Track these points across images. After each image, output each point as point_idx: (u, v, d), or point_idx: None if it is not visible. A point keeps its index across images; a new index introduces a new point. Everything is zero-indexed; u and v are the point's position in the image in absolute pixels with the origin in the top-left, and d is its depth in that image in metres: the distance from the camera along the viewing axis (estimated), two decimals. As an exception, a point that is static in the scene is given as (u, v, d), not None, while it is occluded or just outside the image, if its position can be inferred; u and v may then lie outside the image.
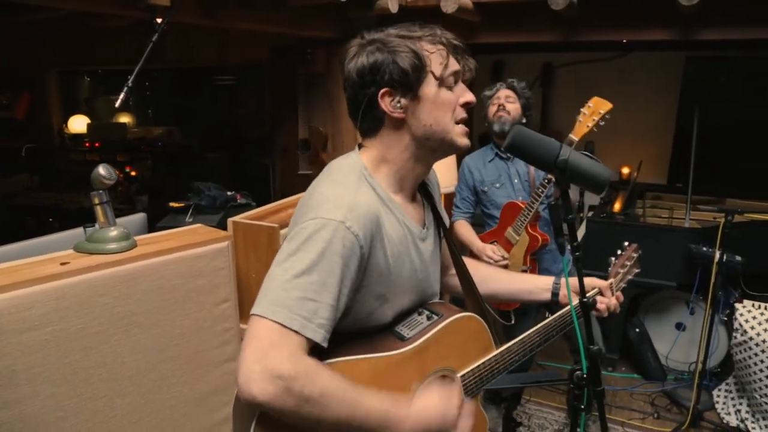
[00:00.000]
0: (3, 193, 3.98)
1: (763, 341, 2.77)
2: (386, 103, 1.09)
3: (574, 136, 2.47)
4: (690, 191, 3.49)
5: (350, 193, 1.06)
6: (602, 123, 2.48)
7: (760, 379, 2.83)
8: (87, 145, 5.07)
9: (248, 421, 0.99)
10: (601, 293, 1.46)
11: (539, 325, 1.35)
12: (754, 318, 2.82)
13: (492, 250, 2.64)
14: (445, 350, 1.19)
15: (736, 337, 2.89)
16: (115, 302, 1.49)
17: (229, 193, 3.08)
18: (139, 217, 2.37)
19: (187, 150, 4.79)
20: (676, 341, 3.49)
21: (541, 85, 4.71)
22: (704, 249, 3.06)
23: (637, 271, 1.61)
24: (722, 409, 3.14)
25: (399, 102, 1.09)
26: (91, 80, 5.67)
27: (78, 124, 5.45)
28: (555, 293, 1.46)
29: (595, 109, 2.48)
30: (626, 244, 1.63)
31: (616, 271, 1.55)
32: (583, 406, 1.28)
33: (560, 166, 1.15)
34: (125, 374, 1.54)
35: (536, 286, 1.48)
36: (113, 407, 1.53)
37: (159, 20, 2.22)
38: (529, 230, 2.65)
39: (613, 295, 1.49)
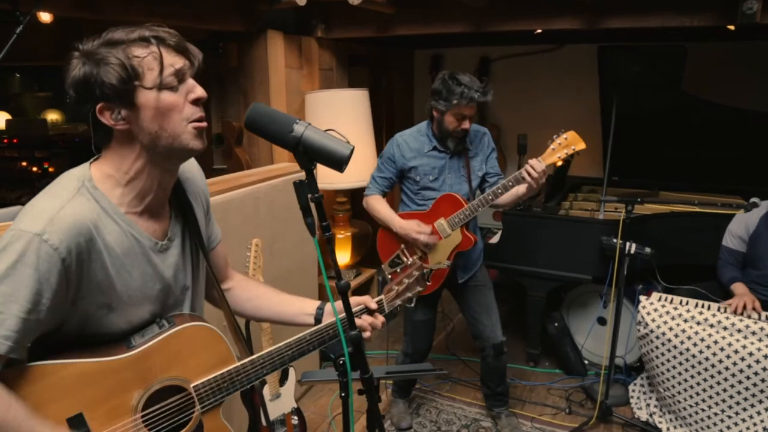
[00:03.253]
0: None
1: (663, 334, 2.71)
2: (106, 117, 1.06)
3: (543, 162, 2.43)
4: (605, 182, 3.44)
5: (56, 205, 1.03)
6: (570, 159, 2.48)
7: (662, 373, 2.77)
8: (6, 141, 5.04)
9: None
10: (368, 311, 1.42)
11: (293, 339, 1.32)
12: (656, 311, 2.76)
13: (418, 225, 2.60)
14: (173, 359, 1.16)
15: (639, 330, 2.83)
16: None
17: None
18: (15, 209, 2.35)
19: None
20: (589, 334, 3.43)
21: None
22: (613, 241, 3.00)
23: (419, 289, 1.53)
24: (635, 404, 3.08)
25: (119, 114, 1.06)
26: (21, 76, 5.66)
27: None
28: (318, 320, 1.43)
29: (569, 144, 2.45)
30: (408, 261, 1.58)
31: (390, 288, 1.50)
32: (342, 394, 1.24)
33: (291, 142, 1.11)
34: None
35: (302, 310, 1.46)
36: None
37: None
38: (465, 231, 2.61)
39: (383, 312, 1.46)
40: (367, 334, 1.37)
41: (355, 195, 4.03)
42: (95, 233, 1.06)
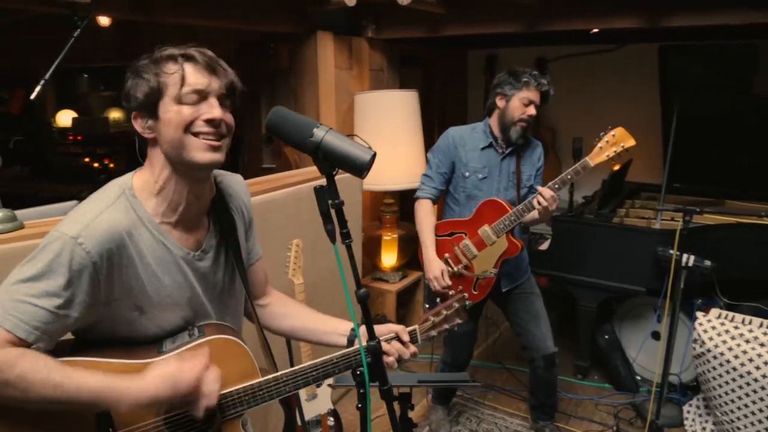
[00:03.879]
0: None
1: (722, 354, 2.54)
2: (138, 125, 1.16)
3: (590, 161, 2.37)
4: (664, 189, 3.26)
5: (96, 210, 1.12)
6: (619, 157, 2.40)
7: (719, 396, 2.59)
8: (71, 138, 5.32)
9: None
10: (398, 339, 1.40)
11: (319, 360, 1.30)
12: (713, 328, 2.59)
13: (442, 272, 2.53)
14: None
15: (695, 349, 2.67)
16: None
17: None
18: (72, 204, 2.45)
19: None
20: (641, 348, 3.26)
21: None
22: (669, 252, 2.84)
23: (458, 321, 1.49)
24: (690, 426, 2.90)
25: (147, 123, 1.14)
26: (89, 76, 5.95)
27: (65, 118, 5.72)
28: (350, 341, 1.42)
29: (617, 141, 2.37)
30: (450, 293, 1.53)
31: (426, 318, 1.47)
32: (359, 406, 1.21)
33: (310, 146, 1.09)
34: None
35: (335, 330, 1.45)
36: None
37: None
38: (510, 237, 2.53)
39: (416, 341, 1.44)
40: (390, 359, 1.35)
41: (403, 196, 4.00)
42: (128, 240, 1.12)
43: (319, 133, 1.10)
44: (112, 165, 4.75)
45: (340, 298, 3.13)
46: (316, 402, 2.51)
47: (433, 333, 1.46)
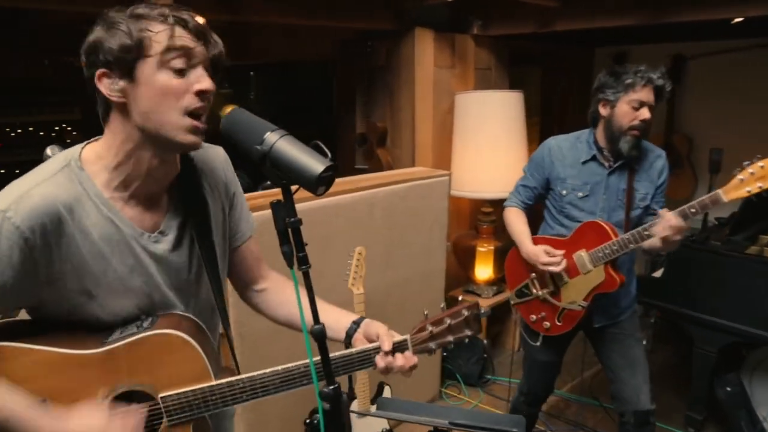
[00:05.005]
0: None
1: None
2: (104, 85, 1.01)
3: (724, 196, 1.91)
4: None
5: (31, 183, 1.02)
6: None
7: None
8: None
9: None
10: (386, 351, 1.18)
11: (280, 367, 1.13)
12: None
13: (548, 251, 2.21)
14: (142, 364, 1.08)
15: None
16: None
17: (268, 182, 3.15)
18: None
19: None
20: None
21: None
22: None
23: (467, 333, 1.25)
24: None
25: (117, 84, 1.00)
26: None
27: None
28: (349, 335, 1.24)
29: (765, 176, 1.88)
30: (459, 298, 1.28)
31: (424, 327, 1.23)
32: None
33: (256, 155, 0.94)
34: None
35: (338, 322, 1.27)
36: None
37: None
38: (610, 269, 2.15)
39: (403, 351, 1.20)
40: (380, 366, 1.17)
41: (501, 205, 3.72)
42: (66, 215, 1.02)
43: (270, 138, 0.94)
44: None
45: (412, 310, 2.96)
46: (370, 420, 2.37)
47: (432, 345, 1.23)
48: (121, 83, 0.99)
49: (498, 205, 3.63)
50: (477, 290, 3.62)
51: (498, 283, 3.67)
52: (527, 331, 2.44)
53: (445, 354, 3.42)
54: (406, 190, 2.72)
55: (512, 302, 2.46)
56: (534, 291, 2.34)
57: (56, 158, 1.08)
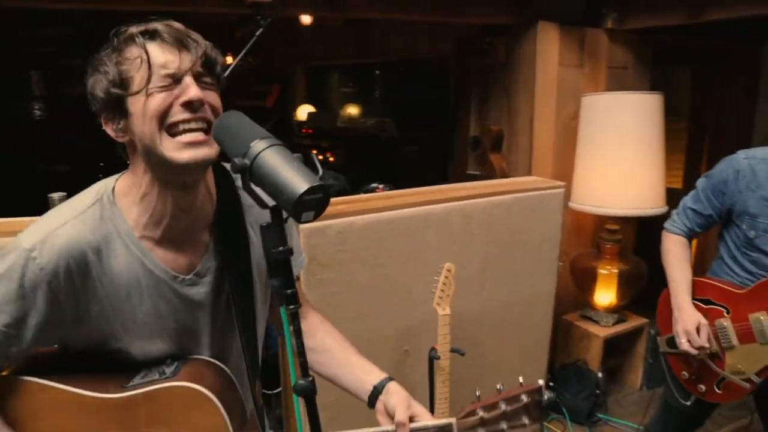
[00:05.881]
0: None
1: None
2: (109, 129, 0.97)
3: None
4: None
5: (60, 220, 0.98)
6: None
7: None
8: (303, 131, 5.68)
9: None
10: None
11: None
12: None
13: (699, 326, 1.78)
14: (161, 416, 1.00)
15: None
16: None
17: (373, 184, 3.03)
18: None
19: (377, 141, 4.90)
20: None
21: None
22: None
23: (526, 422, 1.00)
24: None
25: (119, 125, 0.95)
26: (338, 74, 6.30)
27: (303, 112, 6.05)
28: (372, 400, 1.08)
29: None
30: (520, 380, 1.03)
31: (473, 411, 1.01)
32: None
33: (237, 166, 0.78)
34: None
35: (360, 381, 1.12)
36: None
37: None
38: None
39: None
40: None
41: (629, 224, 3.27)
42: (92, 257, 0.97)
43: (256, 147, 0.77)
44: (332, 159, 5.01)
45: (510, 339, 2.65)
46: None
47: None
48: (121, 123, 0.94)
49: (626, 222, 3.21)
50: (594, 317, 3.22)
51: (620, 310, 3.24)
52: (677, 385, 2.00)
53: (551, 384, 3.09)
54: (511, 202, 2.45)
55: (662, 350, 2.04)
56: (690, 350, 1.87)
57: (89, 191, 1.04)
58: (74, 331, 1.00)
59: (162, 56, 0.91)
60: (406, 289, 2.24)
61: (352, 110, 5.77)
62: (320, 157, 5.07)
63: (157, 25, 0.93)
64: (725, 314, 1.82)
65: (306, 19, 2.75)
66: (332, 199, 2.25)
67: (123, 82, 0.91)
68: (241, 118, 0.86)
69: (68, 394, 1.00)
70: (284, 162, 0.76)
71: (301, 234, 1.91)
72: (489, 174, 3.25)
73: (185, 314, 1.05)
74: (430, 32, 3.53)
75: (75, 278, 0.96)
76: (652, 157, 2.89)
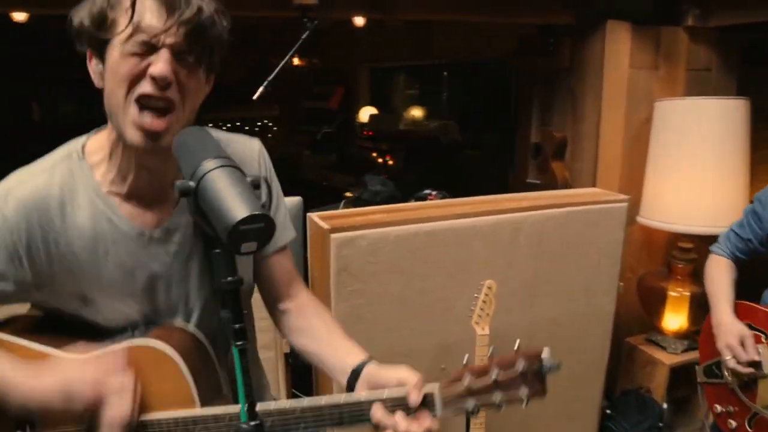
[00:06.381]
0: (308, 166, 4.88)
1: None
2: (92, 71, 0.94)
3: None
4: None
5: (28, 174, 0.98)
6: None
7: None
8: (365, 133, 5.61)
9: None
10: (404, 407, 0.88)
11: (287, 404, 0.90)
12: None
13: (742, 338, 1.65)
14: None
15: None
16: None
17: (426, 191, 2.93)
18: (295, 201, 2.53)
19: (437, 144, 4.73)
20: None
21: None
22: None
23: (522, 394, 0.86)
24: None
25: (99, 66, 0.92)
26: (404, 76, 6.19)
27: (365, 114, 5.98)
28: (350, 383, 0.99)
29: None
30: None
31: (460, 376, 0.87)
32: None
33: (181, 188, 0.71)
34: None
35: (342, 362, 1.03)
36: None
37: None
38: None
39: (434, 411, 0.88)
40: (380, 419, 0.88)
41: (706, 243, 2.98)
42: (57, 211, 0.96)
43: (205, 167, 0.69)
44: (391, 162, 4.93)
45: (562, 356, 2.37)
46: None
47: (470, 404, 0.87)
48: (101, 66, 0.91)
49: (702, 241, 2.92)
50: (662, 341, 2.95)
51: (691, 336, 2.95)
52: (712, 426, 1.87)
53: (608, 411, 2.87)
54: (565, 215, 2.27)
55: (699, 380, 1.91)
56: (726, 374, 1.75)
57: (60, 149, 1.03)
58: (39, 295, 0.99)
59: (148, 18, 0.85)
60: (446, 304, 2.12)
61: (416, 112, 5.68)
62: (380, 160, 5.03)
63: None
64: (763, 339, 1.65)
65: (359, 21, 2.69)
66: (368, 208, 2.19)
67: (109, 24, 0.87)
68: (202, 135, 0.81)
69: (34, 352, 0.99)
70: (229, 185, 0.68)
71: (332, 244, 1.85)
72: (550, 183, 3.06)
73: (155, 273, 1.01)
74: (492, 33, 3.37)
75: (36, 231, 0.95)
76: (735, 169, 2.61)
